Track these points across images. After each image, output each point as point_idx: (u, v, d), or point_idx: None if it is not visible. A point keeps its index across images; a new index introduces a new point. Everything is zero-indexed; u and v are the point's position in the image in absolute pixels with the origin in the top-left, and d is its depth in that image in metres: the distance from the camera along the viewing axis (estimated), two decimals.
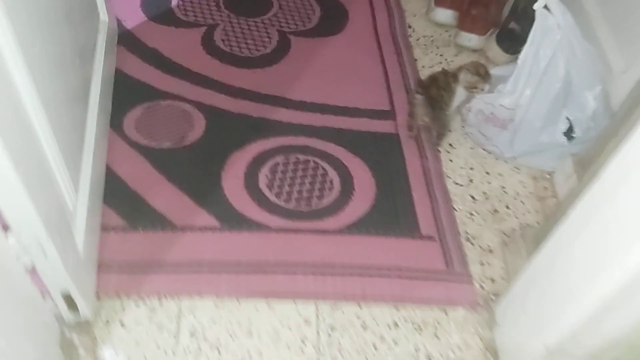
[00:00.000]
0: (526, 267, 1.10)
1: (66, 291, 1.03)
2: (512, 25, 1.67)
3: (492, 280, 1.29)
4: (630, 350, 0.94)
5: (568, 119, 1.38)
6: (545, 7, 1.25)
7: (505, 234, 1.36)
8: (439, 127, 1.50)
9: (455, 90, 1.45)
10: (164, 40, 1.69)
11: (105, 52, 1.45)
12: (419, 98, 1.45)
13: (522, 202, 1.43)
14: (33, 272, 0.95)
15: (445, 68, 1.65)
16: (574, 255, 0.94)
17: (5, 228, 0.85)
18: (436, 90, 1.44)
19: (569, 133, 1.38)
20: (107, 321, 1.16)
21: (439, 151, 1.51)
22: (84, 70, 1.29)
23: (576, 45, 1.30)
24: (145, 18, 1.74)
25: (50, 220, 0.89)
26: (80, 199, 1.12)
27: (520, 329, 1.12)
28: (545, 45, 1.29)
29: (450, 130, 1.54)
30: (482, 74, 1.42)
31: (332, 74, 1.66)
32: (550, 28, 1.27)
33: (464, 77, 1.43)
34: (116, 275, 1.21)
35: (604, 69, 1.36)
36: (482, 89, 1.41)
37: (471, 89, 1.43)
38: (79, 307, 1.09)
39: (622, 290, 0.82)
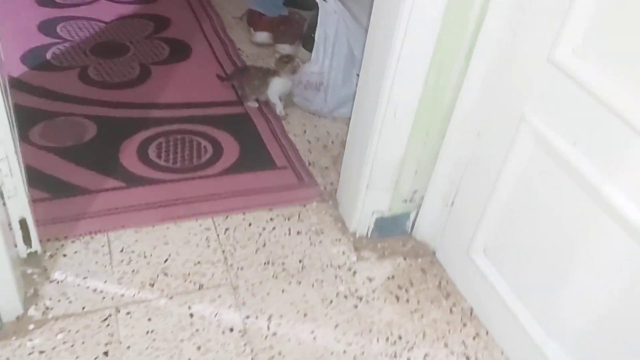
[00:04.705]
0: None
1: (23, 217, 1.37)
2: (311, 34, 2.33)
3: (332, 183, 1.82)
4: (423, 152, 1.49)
5: (358, 75, 2.01)
6: None
7: (334, 157, 1.92)
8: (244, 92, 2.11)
9: (268, 80, 2.04)
10: (47, 81, 2.09)
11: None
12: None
13: (343, 138, 2.01)
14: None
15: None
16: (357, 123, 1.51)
17: None
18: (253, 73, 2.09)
19: None
20: (52, 255, 1.49)
21: (278, 118, 2.06)
22: None
23: (349, 23, 1.96)
24: (27, 68, 2.14)
25: (15, 152, 1.27)
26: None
27: (350, 195, 1.64)
28: (329, 26, 1.93)
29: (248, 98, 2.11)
30: (290, 59, 2.04)
31: (188, 85, 2.18)
32: (329, 13, 1.92)
33: (285, 67, 2.02)
34: (51, 226, 1.55)
35: None
36: (298, 64, 2.01)
37: (292, 69, 2.01)
38: (31, 238, 1.42)
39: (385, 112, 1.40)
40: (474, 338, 1.43)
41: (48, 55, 2.23)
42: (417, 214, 1.62)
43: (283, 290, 1.49)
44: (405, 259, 1.61)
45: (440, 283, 1.56)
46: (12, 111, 1.64)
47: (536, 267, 1.26)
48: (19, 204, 1.35)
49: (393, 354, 1.37)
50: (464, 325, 1.46)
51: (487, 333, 1.44)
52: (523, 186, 1.25)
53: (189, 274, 1.50)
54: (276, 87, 2.04)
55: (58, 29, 2.39)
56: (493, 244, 1.39)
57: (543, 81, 1.13)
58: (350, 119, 2.04)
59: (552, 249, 1.20)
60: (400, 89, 1.37)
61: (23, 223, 1.38)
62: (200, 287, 1.47)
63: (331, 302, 1.48)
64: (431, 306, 1.50)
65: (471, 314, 1.48)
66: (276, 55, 2.32)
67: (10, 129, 1.25)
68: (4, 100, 1.18)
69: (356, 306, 1.48)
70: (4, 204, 1.31)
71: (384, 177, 1.53)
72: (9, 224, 1.36)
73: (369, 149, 1.48)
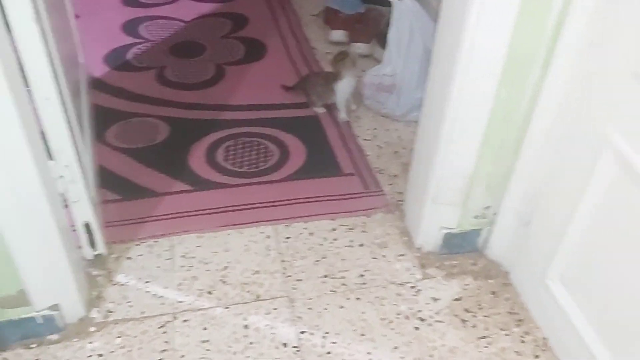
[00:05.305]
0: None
1: (87, 221, 1.40)
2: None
3: (400, 193, 1.73)
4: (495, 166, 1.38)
5: None
6: None
7: (404, 164, 1.83)
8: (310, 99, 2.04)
9: (332, 86, 1.95)
10: (126, 82, 2.15)
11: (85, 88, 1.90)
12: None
13: None
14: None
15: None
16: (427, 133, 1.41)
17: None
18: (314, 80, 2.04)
19: None
20: (117, 258, 1.53)
21: (347, 121, 2.00)
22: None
23: (426, 23, 1.85)
24: (109, 69, 2.21)
25: (78, 160, 1.30)
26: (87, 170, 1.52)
27: (416, 208, 1.55)
28: (403, 25, 1.84)
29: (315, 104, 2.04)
30: (344, 55, 1.94)
31: (260, 86, 2.16)
32: (404, 13, 1.82)
33: (341, 65, 1.93)
34: (119, 228, 1.59)
35: None
36: (355, 57, 1.94)
37: (351, 64, 1.92)
38: (95, 241, 1.46)
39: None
40: None
41: (129, 56, 2.29)
42: (489, 231, 1.51)
43: (341, 307, 1.43)
44: (475, 279, 1.50)
45: (512, 308, 1.44)
46: (86, 116, 1.70)
47: (618, 304, 1.12)
48: (83, 208, 1.38)
49: None
50: (536, 357, 1.34)
51: None
52: (605, 213, 1.11)
53: (246, 283, 1.48)
54: (342, 90, 1.95)
55: (140, 29, 2.45)
56: (571, 272, 1.26)
57: (627, 98, 0.99)
58: None
59: (637, 286, 1.06)
60: (467, 101, 1.26)
61: (87, 227, 1.42)
62: (257, 297, 1.45)
63: (391, 322, 1.40)
64: (500, 333, 1.38)
65: (545, 345, 1.36)
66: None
67: (73, 138, 1.27)
68: (64, 113, 1.20)
69: (417, 328, 1.39)
70: (68, 208, 1.34)
71: (451, 192, 1.42)
72: (74, 228, 1.40)
73: (435, 162, 1.38)
